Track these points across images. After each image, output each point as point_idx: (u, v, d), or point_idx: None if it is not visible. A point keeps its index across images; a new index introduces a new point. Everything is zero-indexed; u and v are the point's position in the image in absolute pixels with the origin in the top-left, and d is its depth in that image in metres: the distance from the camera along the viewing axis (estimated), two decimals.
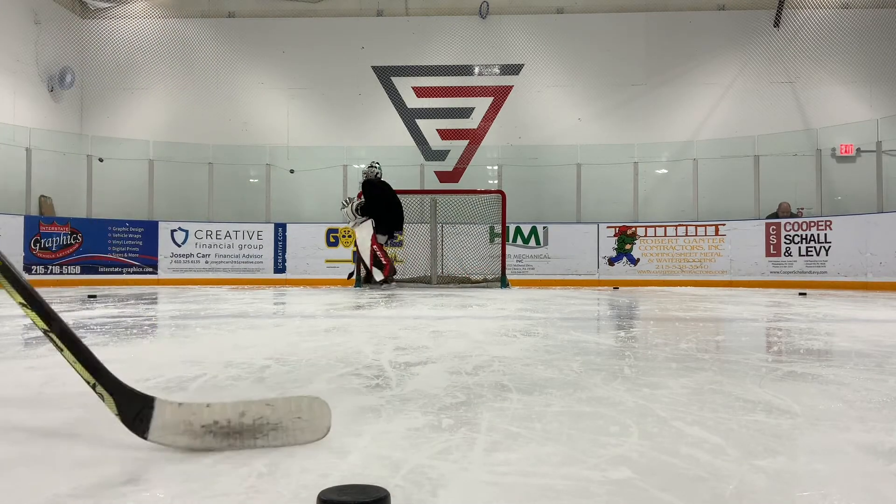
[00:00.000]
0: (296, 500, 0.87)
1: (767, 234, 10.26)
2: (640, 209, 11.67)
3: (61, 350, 1.06)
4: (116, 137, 12.40)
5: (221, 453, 1.07)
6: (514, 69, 13.01)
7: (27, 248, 9.78)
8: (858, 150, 11.32)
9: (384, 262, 8.39)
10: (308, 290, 8.51)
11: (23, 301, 1.07)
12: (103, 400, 1.08)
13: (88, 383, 1.07)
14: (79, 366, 1.06)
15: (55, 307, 4.10)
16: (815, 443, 1.17)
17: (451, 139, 13.04)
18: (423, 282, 9.32)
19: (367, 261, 8.45)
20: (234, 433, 1.07)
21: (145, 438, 1.06)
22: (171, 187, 12.11)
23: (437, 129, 13.07)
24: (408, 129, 13.07)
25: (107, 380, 1.08)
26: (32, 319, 1.07)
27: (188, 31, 13.07)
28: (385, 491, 0.84)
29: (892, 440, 1.18)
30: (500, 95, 13.04)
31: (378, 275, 8.38)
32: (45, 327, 1.06)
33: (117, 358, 2.22)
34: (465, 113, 13.05)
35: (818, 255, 9.77)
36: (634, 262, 10.90)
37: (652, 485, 0.93)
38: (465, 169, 12.77)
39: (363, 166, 8.85)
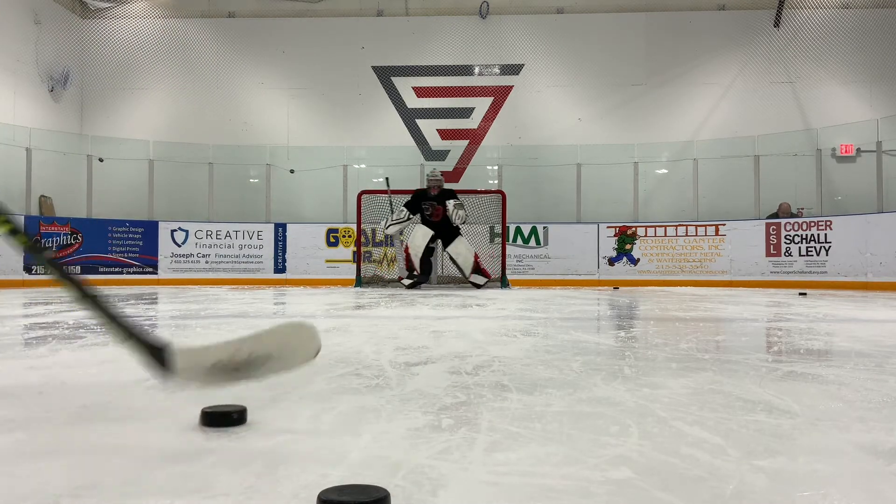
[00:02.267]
0: (296, 500, 0.87)
1: (767, 234, 10.26)
2: (640, 209, 11.67)
3: (97, 315, 1.24)
4: (116, 137, 12.40)
5: (220, 454, 1.07)
6: (514, 69, 13.02)
7: None
8: (858, 150, 11.33)
9: (482, 268, 8.92)
10: (308, 291, 8.52)
11: (59, 278, 1.25)
12: (134, 352, 1.26)
13: (121, 340, 1.25)
14: (112, 326, 1.24)
15: (56, 307, 4.07)
16: (815, 443, 1.17)
17: (451, 139, 13.04)
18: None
19: (468, 272, 8.74)
20: (233, 368, 1.22)
21: (170, 380, 1.25)
22: (171, 187, 12.12)
23: (437, 129, 13.08)
24: (408, 129, 13.08)
25: (136, 337, 1.27)
26: (70, 294, 1.24)
27: (188, 31, 13.08)
28: (385, 491, 0.84)
29: (892, 440, 1.18)
30: (500, 95, 13.04)
31: (481, 279, 8.80)
32: (81, 296, 1.24)
33: (117, 358, 2.22)
34: (465, 113, 13.05)
35: (818, 255, 9.78)
36: (634, 262, 10.90)
37: (652, 485, 0.93)
38: (465, 169, 12.78)
39: (438, 173, 9.05)
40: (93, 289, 1.25)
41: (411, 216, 8.87)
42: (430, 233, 8.71)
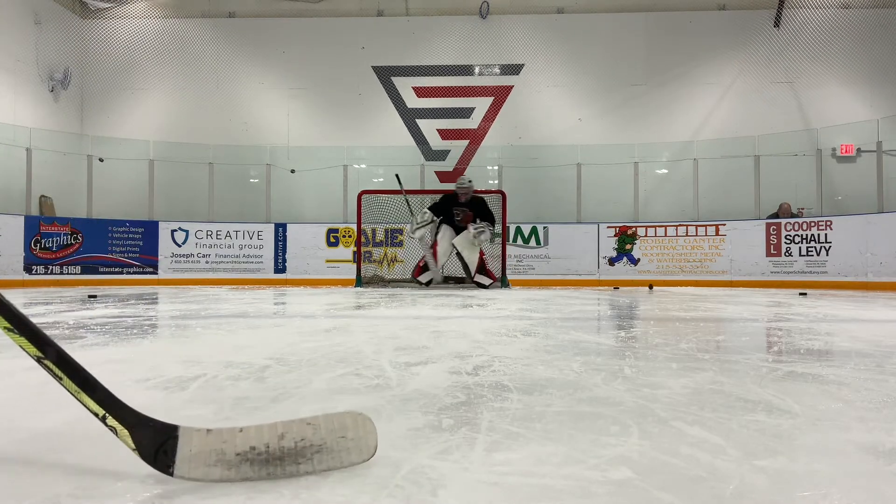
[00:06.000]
0: (297, 501, 0.88)
1: (768, 234, 10.26)
2: (640, 209, 11.67)
3: (60, 379, 0.94)
4: (116, 137, 12.41)
5: None
6: (514, 69, 13.02)
7: (27, 248, 9.78)
8: (859, 150, 11.33)
9: (487, 269, 8.94)
10: (308, 291, 8.52)
11: (8, 325, 0.92)
12: (116, 434, 0.96)
13: (97, 416, 0.95)
14: (83, 396, 0.95)
15: (56, 307, 4.06)
16: (816, 443, 1.17)
17: (451, 139, 13.05)
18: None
19: (473, 271, 8.75)
20: (273, 459, 0.95)
21: (170, 475, 0.94)
22: (171, 187, 12.13)
23: (438, 129, 13.08)
24: (408, 129, 13.08)
25: (120, 410, 0.95)
26: (22, 346, 0.93)
27: (188, 31, 13.08)
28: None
29: (892, 440, 1.18)
30: (500, 95, 13.05)
31: (486, 280, 8.79)
32: (40, 354, 0.93)
33: (117, 358, 2.22)
34: (466, 113, 13.06)
35: (818, 255, 9.78)
36: (635, 262, 10.90)
37: (652, 485, 0.93)
38: (465, 169, 12.78)
39: (466, 181, 8.87)
40: (56, 346, 0.95)
41: (436, 219, 8.85)
42: (453, 235, 8.78)
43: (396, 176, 9.51)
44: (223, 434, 0.96)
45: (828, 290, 9.10)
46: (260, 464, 0.95)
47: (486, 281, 8.78)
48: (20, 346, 0.94)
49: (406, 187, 9.50)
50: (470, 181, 8.94)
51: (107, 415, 0.95)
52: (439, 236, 8.88)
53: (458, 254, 8.85)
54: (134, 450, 0.96)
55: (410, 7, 13.12)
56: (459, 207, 8.81)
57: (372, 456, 1.00)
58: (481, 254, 8.85)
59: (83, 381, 0.95)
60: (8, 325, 0.92)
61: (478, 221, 8.72)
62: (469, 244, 8.75)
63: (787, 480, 0.96)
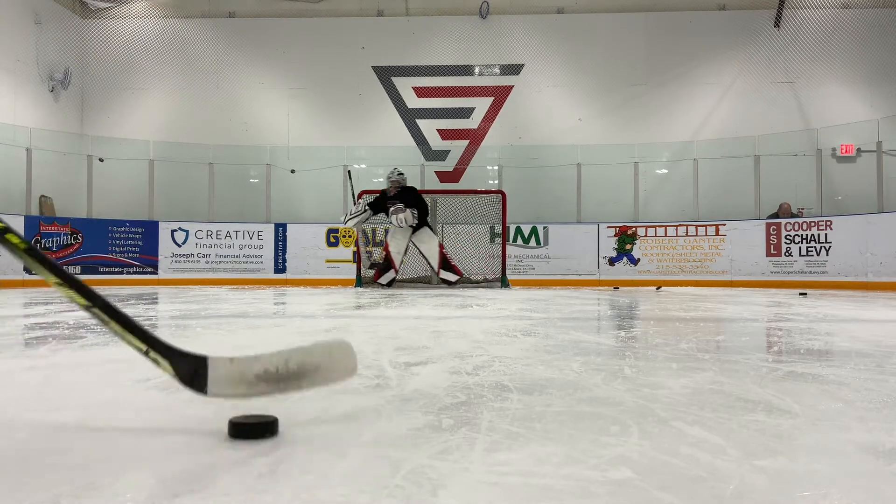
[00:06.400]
0: (296, 500, 0.88)
1: (768, 234, 10.26)
2: (640, 209, 11.67)
3: (107, 323, 1.11)
4: (116, 137, 12.41)
5: (220, 454, 1.07)
6: (514, 69, 13.02)
7: None
8: (859, 150, 11.34)
9: (452, 265, 8.87)
10: (308, 291, 8.52)
11: (59, 280, 1.11)
12: (158, 365, 1.14)
13: (140, 350, 1.13)
14: (129, 335, 1.12)
15: (56, 307, 4.05)
16: (816, 443, 1.17)
17: (451, 139, 13.05)
18: (423, 282, 9.31)
19: (436, 266, 8.72)
20: (282, 378, 1.18)
21: (205, 394, 1.15)
22: (171, 187, 12.13)
23: (438, 129, 13.09)
24: (408, 129, 13.08)
25: (159, 345, 1.14)
26: (71, 297, 1.11)
27: (188, 31, 13.09)
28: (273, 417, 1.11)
29: (892, 440, 1.18)
30: (500, 95, 13.05)
31: (452, 276, 8.74)
32: (88, 303, 1.11)
33: (117, 358, 2.22)
34: (466, 113, 13.06)
35: (818, 255, 9.78)
36: (635, 262, 10.90)
37: (652, 485, 0.93)
38: (465, 169, 12.79)
39: (396, 174, 8.80)
40: (101, 296, 1.12)
41: (367, 209, 8.84)
42: (409, 232, 8.71)
43: (348, 172, 9.54)
44: (243, 361, 1.19)
45: (828, 290, 9.10)
46: (273, 382, 1.18)
47: (451, 277, 8.69)
48: (69, 297, 1.11)
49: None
50: (400, 174, 8.84)
51: (149, 349, 1.13)
52: (389, 237, 8.85)
53: (417, 247, 8.80)
54: (173, 376, 1.15)
55: (410, 7, 13.12)
56: (391, 200, 8.73)
57: (353, 374, 1.26)
58: (441, 246, 8.79)
59: (127, 324, 1.13)
60: (58, 280, 1.10)
61: (391, 211, 8.63)
62: (427, 237, 8.70)
63: (787, 480, 0.96)
